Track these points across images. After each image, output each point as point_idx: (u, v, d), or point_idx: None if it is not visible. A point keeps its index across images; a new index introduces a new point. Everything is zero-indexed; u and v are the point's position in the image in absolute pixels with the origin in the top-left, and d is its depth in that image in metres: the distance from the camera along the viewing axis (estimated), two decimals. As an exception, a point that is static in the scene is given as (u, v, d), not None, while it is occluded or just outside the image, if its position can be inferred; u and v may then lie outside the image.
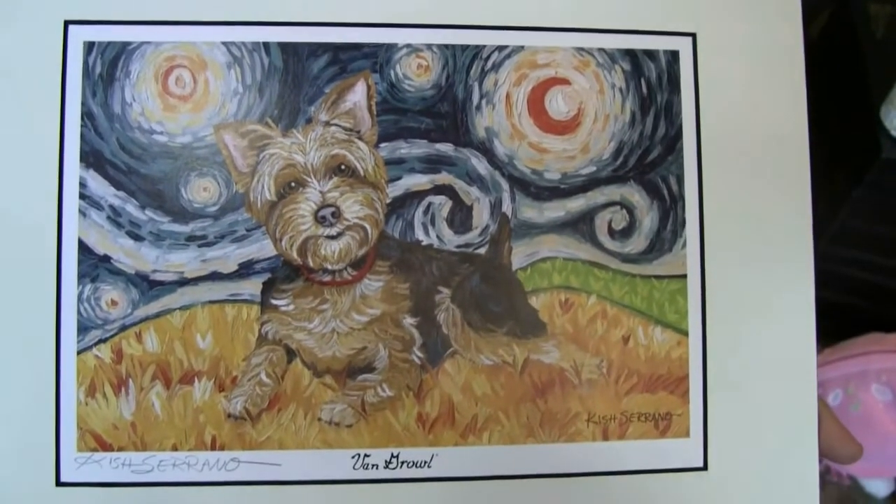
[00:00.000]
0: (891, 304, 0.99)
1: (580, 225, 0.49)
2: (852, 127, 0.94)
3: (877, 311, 0.99)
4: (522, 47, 0.49)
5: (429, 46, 0.49)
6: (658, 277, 0.49)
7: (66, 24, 0.47)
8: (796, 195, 0.50)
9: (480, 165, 0.49)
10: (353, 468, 0.47)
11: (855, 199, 0.90)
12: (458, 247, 0.48)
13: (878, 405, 0.86)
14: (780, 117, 0.50)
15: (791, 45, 0.50)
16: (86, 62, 0.47)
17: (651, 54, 0.50)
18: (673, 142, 0.49)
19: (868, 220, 0.91)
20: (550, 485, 0.48)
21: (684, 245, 0.49)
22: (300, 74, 0.48)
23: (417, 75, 0.48)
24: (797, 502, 0.49)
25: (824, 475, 0.71)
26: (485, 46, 0.49)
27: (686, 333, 0.48)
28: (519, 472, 0.47)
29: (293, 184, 0.47)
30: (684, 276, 0.49)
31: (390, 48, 0.48)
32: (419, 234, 0.49)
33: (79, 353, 0.47)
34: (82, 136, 0.47)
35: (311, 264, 0.47)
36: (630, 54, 0.50)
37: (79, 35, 0.47)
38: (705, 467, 0.49)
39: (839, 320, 0.89)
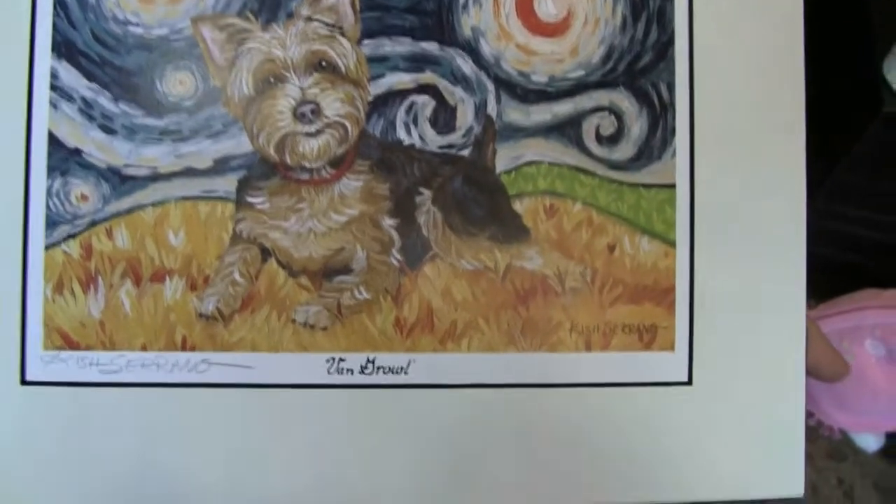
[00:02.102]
0: (887, 260, 0.98)
1: (567, 129, 0.48)
2: (854, 81, 0.93)
3: (873, 267, 0.99)
4: (512, -56, 0.51)
5: (415, -60, 0.50)
6: (646, 186, 0.48)
7: None
8: (790, 106, 0.49)
9: (466, 65, 0.48)
10: (328, 372, 0.46)
11: (855, 155, 0.90)
12: (441, 148, 0.48)
13: (871, 360, 0.85)
14: (775, 26, 0.49)
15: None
16: (59, -51, 0.49)
17: (644, -43, 0.51)
18: (665, 48, 0.49)
19: (867, 176, 0.90)
20: (530, 395, 0.48)
21: (674, 154, 0.49)
22: (282, -33, 0.49)
23: (403, -29, 0.50)
24: (783, 419, 0.49)
25: (816, 429, 0.71)
26: (473, -58, 0.50)
27: (673, 244, 0.48)
28: (498, 381, 0.47)
29: (272, 79, 0.46)
30: (673, 186, 0.48)
31: (376, -59, 0.50)
32: (401, 133, 0.48)
33: (47, 248, 0.46)
34: (54, 25, 0.46)
35: (288, 162, 0.46)
36: (622, -44, 0.51)
37: (53, -80, 0.49)
38: (690, 382, 0.49)
39: (835, 276, 0.89)
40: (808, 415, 0.71)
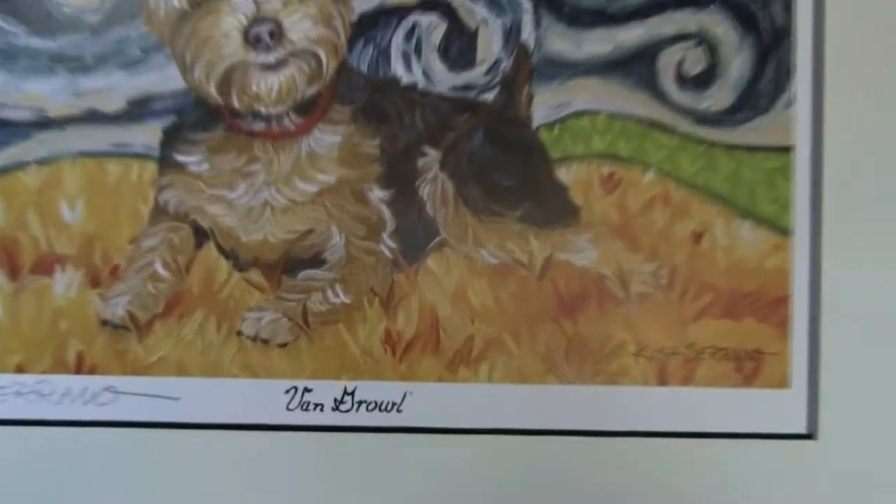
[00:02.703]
0: None
1: (635, 66, 0.40)
2: None
3: None
4: None
5: None
6: (750, 148, 0.40)
7: None
8: None
9: None
10: (288, 408, 0.40)
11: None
12: (455, 90, 0.40)
13: None
14: None
15: None
16: None
17: None
18: None
19: None
20: (578, 447, 0.39)
21: (791, 103, 0.40)
22: None
23: None
24: None
25: None
26: None
27: (789, 232, 0.40)
28: (534, 424, 0.40)
29: None
30: (789, 149, 0.40)
31: None
32: (397, 68, 0.40)
33: None
34: None
35: (236, 105, 0.39)
36: None
37: None
38: (812, 435, 0.40)
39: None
40: None
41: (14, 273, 0.39)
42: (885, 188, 0.39)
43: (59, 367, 0.39)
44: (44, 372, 0.39)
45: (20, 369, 0.39)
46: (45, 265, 0.39)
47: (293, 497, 0.39)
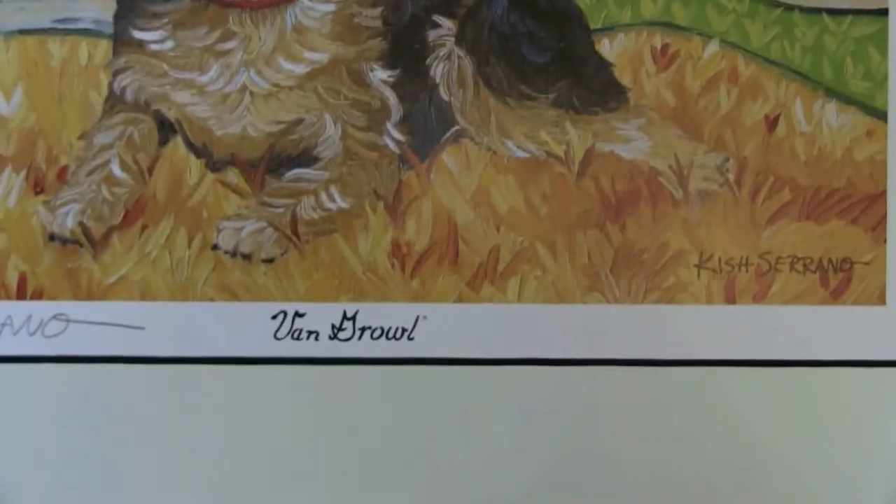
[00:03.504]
0: None
1: None
2: None
3: None
4: None
5: None
6: (834, 12, 0.37)
7: None
8: None
9: None
10: (276, 337, 0.36)
11: None
12: None
13: None
14: None
15: None
16: None
17: None
18: None
19: None
20: (631, 377, 0.36)
21: None
22: None
23: None
24: None
25: None
26: None
27: (884, 115, 0.37)
28: (572, 354, 0.36)
29: None
30: (885, 12, 0.37)
31: None
32: None
33: None
34: None
35: None
36: None
37: None
38: None
39: None
40: None
41: None
42: None
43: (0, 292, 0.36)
44: None
45: None
46: None
47: (282, 444, 0.36)
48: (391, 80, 0.38)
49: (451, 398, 0.37)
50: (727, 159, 0.38)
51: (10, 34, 0.37)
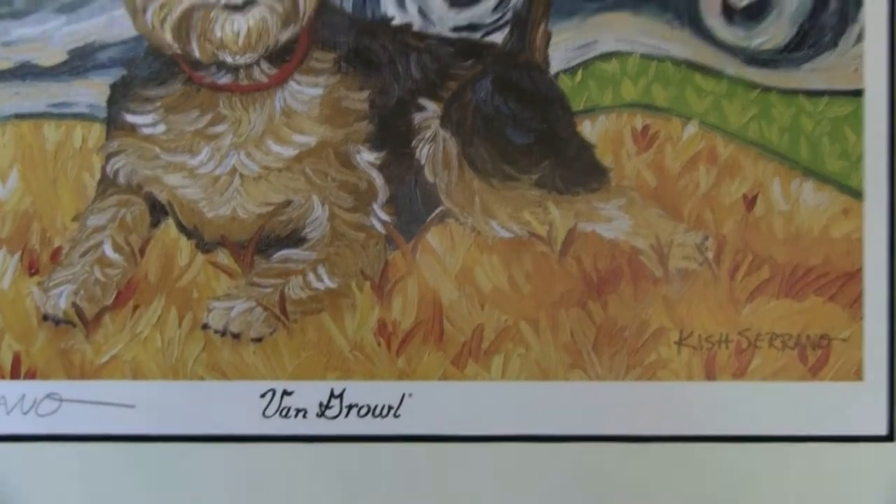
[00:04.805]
0: None
1: None
2: None
3: None
4: None
5: None
6: (811, 94, 0.38)
7: None
8: None
9: None
10: (264, 415, 0.37)
11: None
12: (457, 31, 0.39)
13: None
14: None
15: None
16: None
17: None
18: None
19: None
20: (608, 455, 0.37)
21: (860, 37, 0.38)
22: None
23: None
24: None
25: None
26: None
27: (860, 194, 0.38)
28: (554, 430, 0.38)
29: None
30: (859, 93, 0.38)
31: None
32: (388, 6, 0.40)
33: None
34: None
35: (196, 54, 0.38)
36: None
37: None
38: (892, 436, 0.38)
39: None
40: None
41: None
42: None
43: None
44: None
45: None
46: None
47: None
48: (378, 161, 0.39)
49: (437, 473, 0.37)
50: (706, 238, 0.39)
51: (5, 118, 0.39)
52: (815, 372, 0.38)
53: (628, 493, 0.38)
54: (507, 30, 0.40)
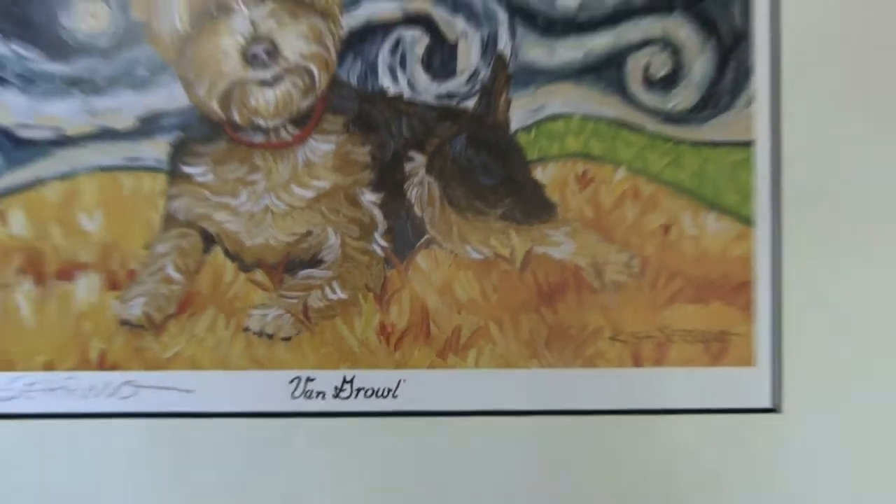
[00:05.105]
0: None
1: (605, 71, 0.44)
2: None
3: None
4: None
5: None
6: (713, 144, 0.44)
7: None
8: None
9: None
10: (292, 396, 0.44)
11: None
12: (438, 99, 0.44)
13: None
14: None
15: None
16: None
17: None
18: None
19: None
20: (559, 425, 0.44)
21: (751, 101, 0.44)
22: None
23: None
24: None
25: None
26: None
27: (751, 222, 0.44)
28: (517, 406, 0.44)
29: (213, 9, 0.42)
30: (750, 144, 0.44)
31: None
32: (384, 80, 0.44)
33: None
34: None
35: (237, 119, 0.43)
36: None
37: None
38: (776, 408, 0.44)
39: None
40: None
41: (40, 280, 0.43)
42: (840, 178, 0.44)
43: (83, 364, 0.43)
44: (70, 369, 0.43)
45: (49, 367, 0.43)
46: (68, 272, 0.43)
47: (298, 479, 0.44)
48: (377, 201, 0.45)
49: (426, 440, 0.44)
50: (633, 257, 0.45)
51: (92, 170, 0.44)
52: (717, 359, 0.45)
53: (573, 452, 0.44)
54: (476, 98, 0.45)
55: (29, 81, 0.44)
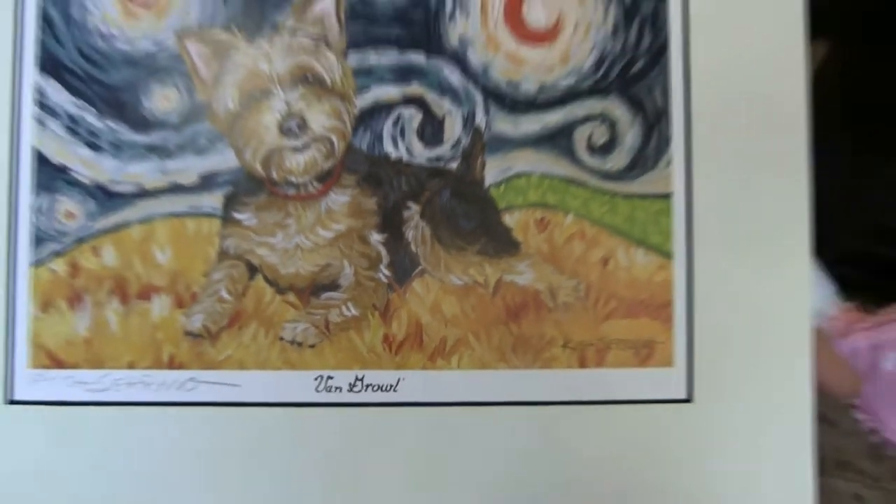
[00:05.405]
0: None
1: (558, 139, 0.53)
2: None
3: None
4: (500, -48, 0.52)
5: (401, -50, 0.52)
6: (641, 196, 0.53)
7: (25, -74, 0.52)
8: (791, 106, 0.53)
9: (453, 76, 0.53)
10: (316, 390, 0.52)
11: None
12: (429, 161, 0.53)
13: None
14: (776, 25, 0.54)
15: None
16: (45, -34, 0.51)
17: (637, -40, 0.53)
18: (659, 53, 0.53)
19: None
20: (523, 413, 0.53)
21: (669, 162, 0.53)
22: (267, -20, 0.52)
23: (389, -20, 0.52)
24: (789, 439, 0.53)
25: (881, 448, 0.76)
26: (460, -50, 0.52)
27: (670, 256, 0.53)
28: (490, 398, 0.52)
29: (258, 93, 0.51)
30: (669, 196, 0.53)
31: (361, -48, 0.52)
32: (388, 147, 0.52)
33: (33, 266, 0.52)
34: (41, 42, 0.52)
35: (275, 177, 0.52)
36: (614, -40, 0.53)
37: (38, -62, 0.52)
38: (690, 399, 0.53)
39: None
40: (872, 432, 0.76)
41: (124, 299, 0.52)
42: (740, 223, 0.54)
43: (157, 364, 0.52)
44: (146, 368, 0.52)
45: (131, 366, 0.52)
46: (146, 293, 0.52)
47: (320, 456, 0.52)
48: (382, 240, 0.52)
49: (421, 427, 0.52)
50: (580, 283, 0.52)
51: (164, 216, 0.52)
52: (644, 362, 0.53)
53: (532, 436, 0.52)
54: (459, 160, 0.53)
55: (118, 148, 0.53)
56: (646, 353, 0.54)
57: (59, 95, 0.53)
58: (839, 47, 0.91)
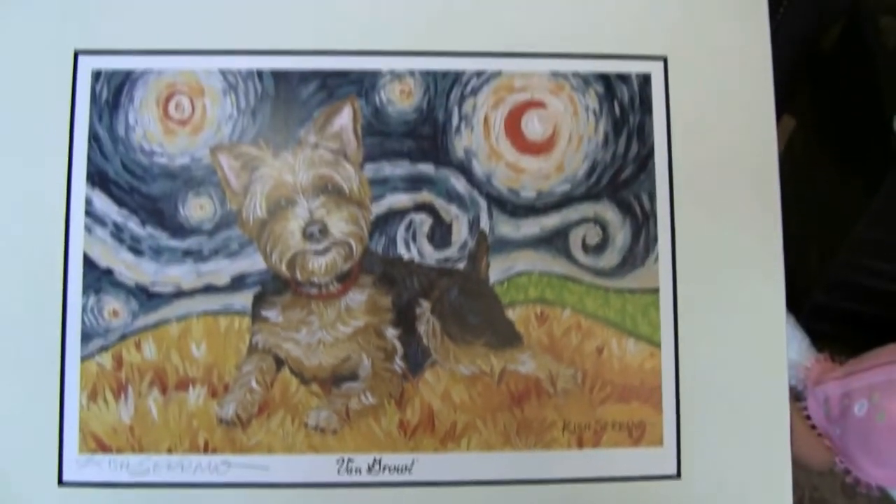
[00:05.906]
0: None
1: (555, 241, 0.56)
2: (867, 138, 1.04)
3: (902, 320, 1.07)
4: (500, 73, 0.59)
5: (411, 73, 0.59)
6: (631, 291, 0.56)
7: (76, 53, 0.59)
8: (766, 208, 0.59)
9: (459, 184, 0.58)
10: (338, 472, 0.55)
11: (872, 209, 1.01)
12: (438, 262, 0.56)
13: (905, 413, 0.92)
14: (750, 135, 0.59)
15: (759, 67, 0.60)
16: (93, 89, 0.59)
17: (624, 77, 0.59)
18: (645, 161, 0.59)
19: (887, 230, 1.01)
20: (527, 491, 0.56)
21: (656, 260, 0.57)
22: (291, 100, 0.58)
23: (400, 100, 0.59)
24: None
25: (854, 487, 0.81)
26: (464, 72, 0.59)
27: (658, 345, 0.56)
28: (496, 477, 0.56)
29: (283, 202, 0.56)
30: (656, 290, 0.57)
31: (375, 75, 0.59)
32: (401, 249, 0.56)
33: (82, 360, 0.57)
34: (89, 157, 0.58)
35: (299, 278, 0.55)
36: (603, 78, 0.59)
37: (87, 64, 0.59)
38: (678, 475, 0.56)
39: (865, 331, 0.99)
40: (845, 472, 0.80)
41: (164, 390, 0.56)
42: (721, 315, 0.59)
43: (193, 449, 0.55)
44: (184, 452, 0.55)
45: (169, 451, 0.55)
46: (183, 384, 0.56)
47: None
48: (397, 334, 0.56)
49: (431, 500, 0.55)
50: (577, 371, 0.55)
51: (200, 314, 0.55)
52: (636, 442, 0.56)
53: None
54: (465, 261, 0.56)
55: (158, 253, 0.58)
56: (638, 434, 0.57)
57: (105, 205, 0.59)
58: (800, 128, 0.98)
